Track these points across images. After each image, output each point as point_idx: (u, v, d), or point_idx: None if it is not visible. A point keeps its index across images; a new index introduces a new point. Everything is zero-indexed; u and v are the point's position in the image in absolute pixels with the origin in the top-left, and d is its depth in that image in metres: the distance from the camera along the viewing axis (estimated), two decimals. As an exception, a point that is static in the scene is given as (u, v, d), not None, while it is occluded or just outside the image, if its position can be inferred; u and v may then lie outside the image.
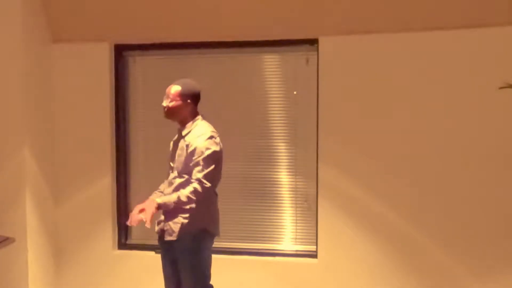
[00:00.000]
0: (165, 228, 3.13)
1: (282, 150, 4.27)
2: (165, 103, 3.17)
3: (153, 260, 4.35)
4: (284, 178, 4.27)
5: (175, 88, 3.16)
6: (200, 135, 3.09)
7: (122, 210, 4.48)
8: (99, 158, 4.37)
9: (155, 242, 4.39)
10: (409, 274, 3.97)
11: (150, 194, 4.49)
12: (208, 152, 3.04)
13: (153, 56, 4.45)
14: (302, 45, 4.14)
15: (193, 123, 3.17)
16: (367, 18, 3.90)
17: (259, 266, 4.21)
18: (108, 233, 4.38)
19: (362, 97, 3.98)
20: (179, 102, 3.14)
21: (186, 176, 3.08)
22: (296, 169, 4.24)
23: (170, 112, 3.16)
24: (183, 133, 3.17)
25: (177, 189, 3.09)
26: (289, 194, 4.28)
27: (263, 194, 4.29)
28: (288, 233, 4.31)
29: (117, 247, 4.46)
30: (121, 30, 4.28)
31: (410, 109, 3.92)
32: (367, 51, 3.96)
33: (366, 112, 3.98)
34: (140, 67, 4.50)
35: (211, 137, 3.09)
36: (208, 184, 3.01)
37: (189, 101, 3.15)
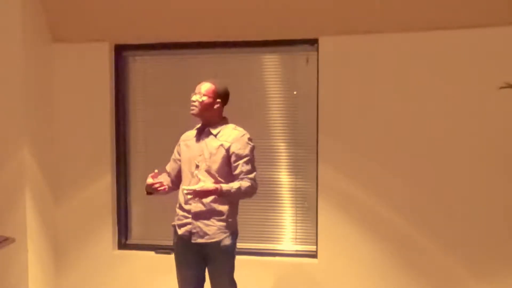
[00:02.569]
0: (195, 231, 3.10)
1: (282, 150, 4.27)
2: (196, 97, 3.14)
3: (153, 260, 4.36)
4: (284, 178, 4.27)
5: (208, 85, 3.16)
6: (242, 136, 3.14)
7: (122, 210, 4.49)
8: (99, 158, 4.37)
9: (155, 242, 4.45)
10: (409, 274, 3.97)
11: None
12: (253, 154, 3.14)
13: (153, 56, 4.45)
14: (302, 45, 4.14)
15: (222, 124, 3.19)
16: (367, 18, 3.90)
17: (259, 266, 4.21)
18: (108, 233, 4.38)
19: (362, 97, 3.98)
20: (210, 100, 3.14)
21: (217, 176, 3.08)
22: (296, 169, 4.23)
23: (201, 108, 3.12)
24: (214, 132, 3.15)
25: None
26: (289, 194, 4.28)
27: (263, 194, 4.28)
28: (288, 233, 4.31)
29: (117, 247, 4.45)
30: (121, 30, 4.28)
31: (410, 109, 3.91)
32: (367, 51, 3.96)
33: (366, 112, 3.98)
34: (140, 67, 4.49)
35: (251, 141, 3.17)
36: (256, 185, 3.10)
37: (219, 100, 3.17)
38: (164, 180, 3.22)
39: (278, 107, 4.27)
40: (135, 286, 4.35)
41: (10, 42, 3.95)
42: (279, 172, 4.27)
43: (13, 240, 3.46)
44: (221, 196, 2.98)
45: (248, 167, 3.08)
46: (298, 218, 4.28)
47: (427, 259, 3.94)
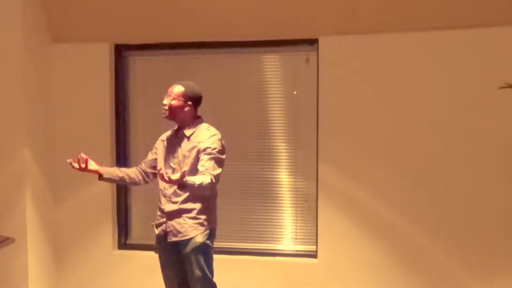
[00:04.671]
0: (169, 230, 3.13)
1: (282, 150, 4.27)
2: (166, 101, 3.15)
3: (153, 260, 4.34)
4: (284, 178, 4.27)
5: (178, 88, 3.15)
6: (212, 136, 3.11)
7: (122, 210, 4.49)
8: (99, 158, 4.30)
9: (155, 242, 4.45)
10: (409, 273, 3.97)
11: (149, 195, 4.51)
12: (221, 156, 3.10)
13: (153, 56, 4.45)
14: (302, 45, 4.14)
15: (196, 125, 3.18)
16: (367, 18, 3.90)
17: (259, 266, 4.21)
18: (108, 233, 4.38)
19: (362, 97, 3.98)
20: (180, 102, 3.13)
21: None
22: (296, 169, 4.24)
23: (170, 111, 3.14)
24: (187, 133, 3.15)
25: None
26: (289, 194, 4.28)
27: (263, 194, 4.29)
28: (288, 233, 4.31)
29: (117, 247, 4.46)
30: (121, 30, 4.28)
31: (410, 109, 3.92)
32: (367, 51, 3.96)
33: (366, 112, 3.98)
34: (140, 67, 4.50)
35: (221, 143, 3.13)
36: (216, 183, 3.04)
37: (190, 103, 3.15)
38: (131, 172, 3.34)
39: (278, 107, 4.27)
40: (135, 286, 4.35)
41: (10, 42, 3.95)
42: (279, 172, 4.27)
43: (13, 240, 3.46)
44: (183, 187, 2.89)
45: (211, 163, 3.01)
46: (298, 218, 4.28)
47: (427, 259, 3.94)
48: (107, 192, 4.36)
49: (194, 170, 3.07)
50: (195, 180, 2.90)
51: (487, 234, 3.82)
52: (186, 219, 3.10)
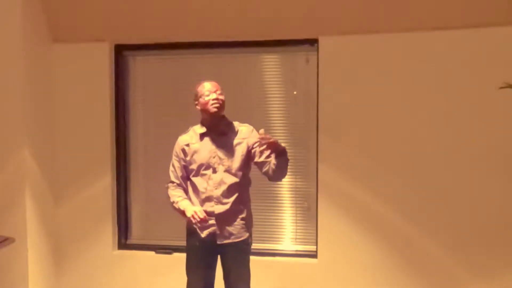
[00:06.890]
0: (219, 232, 3.09)
1: (282, 150, 4.27)
2: (215, 95, 3.10)
3: (153, 260, 4.37)
4: (284, 178, 4.26)
5: (217, 84, 3.17)
6: (253, 130, 3.20)
7: (122, 210, 4.49)
8: (99, 158, 4.37)
9: (155, 242, 4.45)
10: (409, 274, 3.97)
11: (150, 194, 4.52)
12: None
13: (153, 56, 4.45)
14: (302, 45, 4.14)
15: (227, 122, 3.21)
16: (367, 18, 3.90)
17: (259, 266, 4.20)
18: (108, 233, 4.38)
19: (362, 97, 3.98)
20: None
21: (238, 175, 3.10)
22: (296, 169, 4.23)
23: (224, 105, 3.14)
24: (224, 131, 3.15)
25: (232, 188, 3.08)
26: (289, 194, 4.28)
27: (263, 194, 4.29)
28: (288, 233, 4.31)
29: (117, 247, 4.46)
30: (121, 30, 4.28)
31: (410, 109, 3.92)
32: (367, 51, 3.96)
33: (366, 112, 3.98)
34: (140, 67, 4.50)
35: None
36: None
37: None
38: (182, 195, 3.18)
39: (278, 107, 4.27)
40: (135, 286, 4.35)
41: (10, 42, 3.95)
42: (279, 172, 4.27)
43: (13, 240, 3.46)
44: (284, 154, 3.01)
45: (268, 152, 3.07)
46: (298, 218, 4.28)
47: (427, 259, 3.94)
48: (107, 192, 4.37)
49: (243, 165, 3.12)
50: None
51: (487, 234, 3.82)
52: (238, 220, 3.12)
